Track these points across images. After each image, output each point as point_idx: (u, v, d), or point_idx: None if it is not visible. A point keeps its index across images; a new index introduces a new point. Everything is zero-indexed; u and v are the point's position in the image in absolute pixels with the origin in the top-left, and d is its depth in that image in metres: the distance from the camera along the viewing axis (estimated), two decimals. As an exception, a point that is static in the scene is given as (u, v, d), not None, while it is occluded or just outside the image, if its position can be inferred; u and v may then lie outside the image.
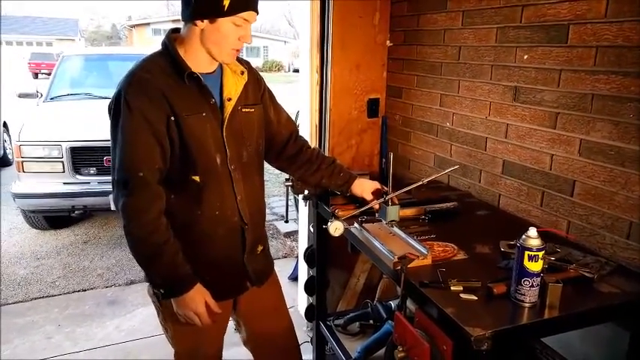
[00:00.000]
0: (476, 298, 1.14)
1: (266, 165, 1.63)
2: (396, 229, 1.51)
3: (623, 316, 1.27)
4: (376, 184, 1.68)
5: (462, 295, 1.15)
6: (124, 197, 1.29)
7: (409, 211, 1.68)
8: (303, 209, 2.68)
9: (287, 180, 1.93)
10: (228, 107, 1.40)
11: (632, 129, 1.34)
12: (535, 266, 1.09)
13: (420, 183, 1.63)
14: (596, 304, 1.17)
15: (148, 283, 1.51)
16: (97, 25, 47.03)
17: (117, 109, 1.29)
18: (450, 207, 1.74)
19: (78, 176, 3.93)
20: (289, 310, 1.76)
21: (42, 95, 4.98)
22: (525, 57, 1.66)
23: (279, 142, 1.64)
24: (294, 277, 3.23)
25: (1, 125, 6.71)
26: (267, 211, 3.59)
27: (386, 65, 2.45)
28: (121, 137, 1.29)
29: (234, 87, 1.42)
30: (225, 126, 1.39)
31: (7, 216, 4.78)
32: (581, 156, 1.50)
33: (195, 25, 1.30)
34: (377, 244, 1.42)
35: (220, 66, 1.42)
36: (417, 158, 2.35)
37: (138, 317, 3.02)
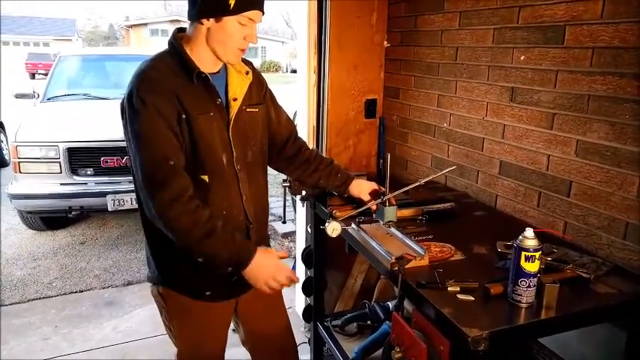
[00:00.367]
0: (473, 298, 1.14)
1: (266, 165, 1.63)
2: (393, 230, 1.51)
3: (620, 317, 1.28)
4: (374, 185, 1.68)
5: (459, 296, 1.15)
6: (159, 192, 1.26)
7: (406, 212, 1.68)
8: (301, 210, 2.68)
9: (284, 181, 1.93)
10: (234, 107, 1.41)
11: (628, 130, 1.34)
12: (532, 267, 1.09)
13: (418, 184, 1.63)
14: (593, 305, 1.17)
15: (151, 284, 1.51)
16: (95, 25, 46.95)
17: (131, 107, 1.28)
18: (447, 207, 1.74)
19: (75, 177, 3.91)
20: (287, 310, 1.76)
21: (39, 96, 4.96)
22: (522, 58, 1.67)
23: (279, 142, 1.64)
24: (291, 278, 3.22)
25: (-2, 126, 6.70)
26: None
27: (383, 66, 2.45)
28: (141, 133, 1.27)
29: (239, 87, 1.43)
30: (231, 126, 1.40)
31: (4, 217, 4.76)
32: (577, 156, 1.50)
33: (202, 23, 1.31)
34: (374, 244, 1.42)
35: (224, 66, 1.43)
36: (415, 159, 2.35)
37: (135, 318, 3.02)
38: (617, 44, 1.35)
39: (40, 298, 3.27)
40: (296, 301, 2.93)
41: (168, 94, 1.28)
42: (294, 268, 3.20)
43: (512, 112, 1.73)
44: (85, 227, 4.59)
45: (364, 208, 1.61)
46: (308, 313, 2.21)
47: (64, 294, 3.33)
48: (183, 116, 1.30)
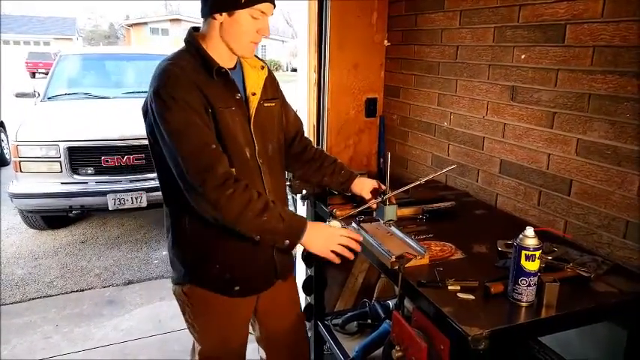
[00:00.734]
0: (473, 297, 1.14)
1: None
2: (393, 229, 1.51)
3: (620, 315, 1.28)
4: (375, 182, 1.69)
5: (459, 295, 1.15)
6: (208, 177, 1.25)
7: (407, 211, 1.68)
8: (301, 209, 2.68)
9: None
10: (254, 102, 1.42)
11: (628, 129, 1.34)
12: (532, 265, 1.09)
13: (418, 182, 1.64)
14: (593, 303, 1.17)
15: (174, 285, 1.51)
16: (95, 25, 46.89)
17: (160, 105, 1.27)
18: (447, 206, 1.74)
19: (75, 176, 3.91)
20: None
21: (39, 95, 4.96)
22: (522, 57, 1.67)
23: (287, 139, 1.65)
24: (292, 277, 3.22)
25: (-1, 125, 6.71)
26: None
27: (384, 65, 2.45)
28: (176, 127, 1.26)
29: (256, 82, 1.45)
30: (252, 120, 1.41)
31: (4, 216, 4.77)
32: (578, 155, 1.50)
33: (215, 19, 1.32)
34: (374, 243, 1.42)
35: (239, 61, 1.44)
36: (415, 158, 2.36)
37: (136, 317, 3.02)
38: (618, 43, 1.35)
39: (40, 297, 3.28)
40: (296, 300, 2.93)
41: (193, 89, 1.29)
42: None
43: (513, 111, 1.73)
44: (85, 226, 4.59)
45: (364, 207, 1.62)
46: (308, 312, 2.22)
47: (65, 293, 3.34)
48: (210, 110, 1.31)
